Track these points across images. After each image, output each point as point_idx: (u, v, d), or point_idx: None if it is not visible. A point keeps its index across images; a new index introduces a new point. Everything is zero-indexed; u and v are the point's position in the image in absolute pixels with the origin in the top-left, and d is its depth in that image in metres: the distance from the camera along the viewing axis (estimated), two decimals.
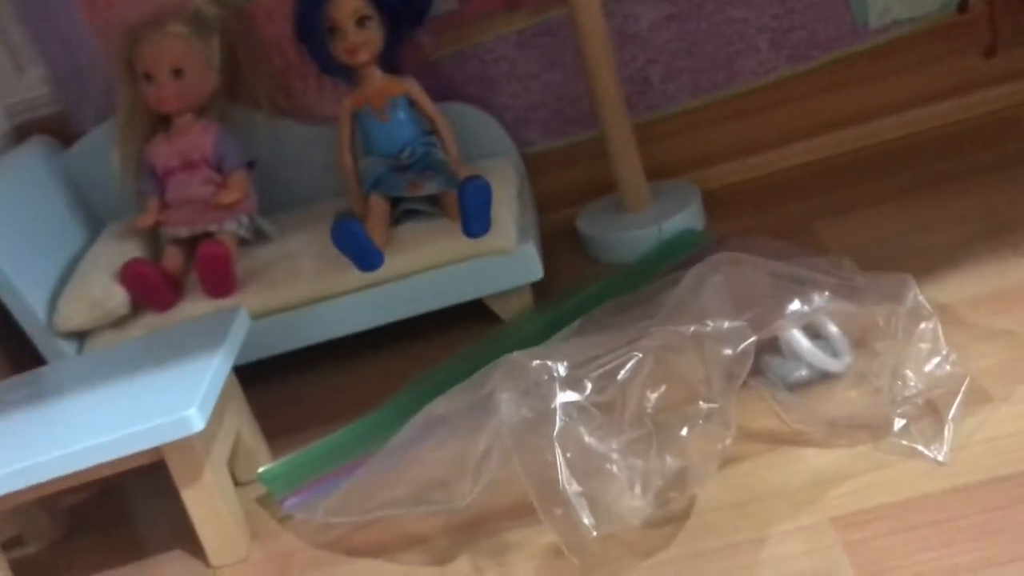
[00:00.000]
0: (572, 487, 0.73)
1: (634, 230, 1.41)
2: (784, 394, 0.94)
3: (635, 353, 0.77)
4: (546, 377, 0.77)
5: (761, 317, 0.81)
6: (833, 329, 0.99)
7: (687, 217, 1.42)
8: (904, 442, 0.87)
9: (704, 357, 0.79)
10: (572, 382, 0.77)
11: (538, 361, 0.79)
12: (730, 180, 1.53)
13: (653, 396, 0.78)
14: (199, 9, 1.41)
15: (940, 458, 0.85)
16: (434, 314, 1.35)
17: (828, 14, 1.49)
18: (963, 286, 1.10)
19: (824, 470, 0.89)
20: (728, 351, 0.78)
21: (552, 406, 0.76)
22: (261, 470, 1.14)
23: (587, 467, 0.75)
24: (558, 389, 0.76)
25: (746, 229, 1.40)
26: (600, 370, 0.77)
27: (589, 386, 0.76)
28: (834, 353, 1.00)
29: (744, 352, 0.79)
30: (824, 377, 0.99)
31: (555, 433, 0.75)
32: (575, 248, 1.49)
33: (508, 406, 0.79)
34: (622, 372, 0.77)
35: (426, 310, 1.32)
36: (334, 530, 1.03)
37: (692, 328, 0.78)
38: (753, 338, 0.79)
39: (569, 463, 0.74)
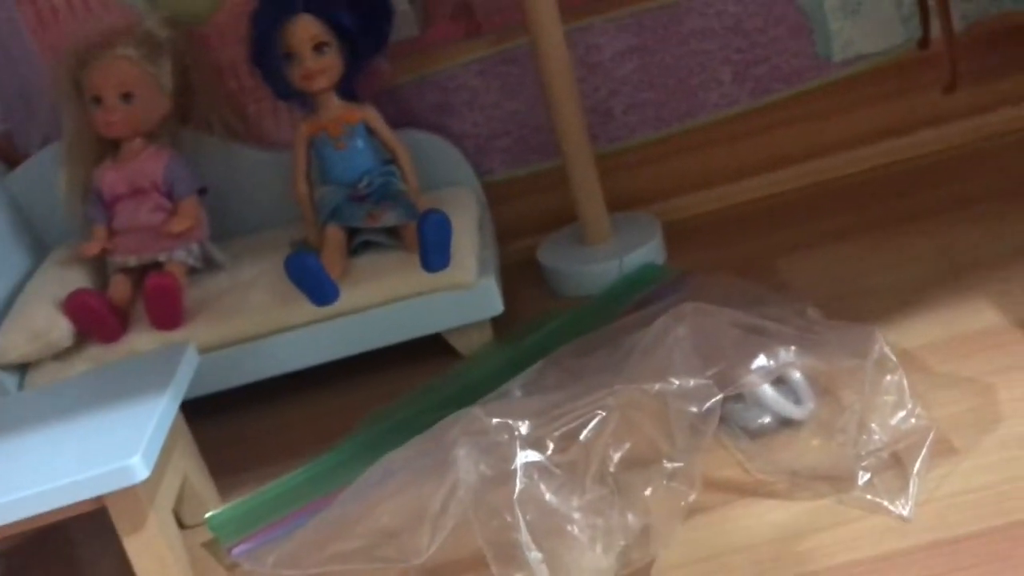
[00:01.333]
0: (532, 553, 0.70)
1: (595, 263, 1.39)
2: (746, 442, 0.93)
3: (599, 412, 0.75)
4: (507, 436, 0.75)
5: (727, 373, 0.79)
6: (796, 375, 0.98)
7: (648, 251, 1.40)
8: (868, 496, 0.86)
9: (668, 415, 0.77)
10: (533, 441, 0.74)
11: (498, 420, 0.77)
12: (691, 212, 1.52)
13: (616, 455, 0.76)
14: (150, 31, 1.36)
15: (905, 513, 0.83)
16: (390, 348, 1.32)
17: (791, 47, 1.49)
18: (924, 330, 1.10)
19: (788, 524, 0.87)
20: (693, 408, 0.76)
21: (512, 467, 0.73)
22: (208, 515, 1.10)
23: (548, 527, 0.73)
24: (519, 448, 0.74)
25: (707, 262, 1.39)
26: (563, 429, 0.75)
27: (551, 445, 0.74)
28: (796, 399, 0.98)
29: (709, 410, 0.77)
30: (786, 424, 0.98)
31: (516, 495, 0.72)
32: (535, 279, 1.47)
33: (466, 463, 0.77)
34: (585, 431, 0.75)
35: (382, 345, 1.29)
36: None
37: (657, 386, 0.76)
38: (719, 396, 0.78)
39: (529, 526, 0.71)
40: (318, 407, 1.30)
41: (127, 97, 1.33)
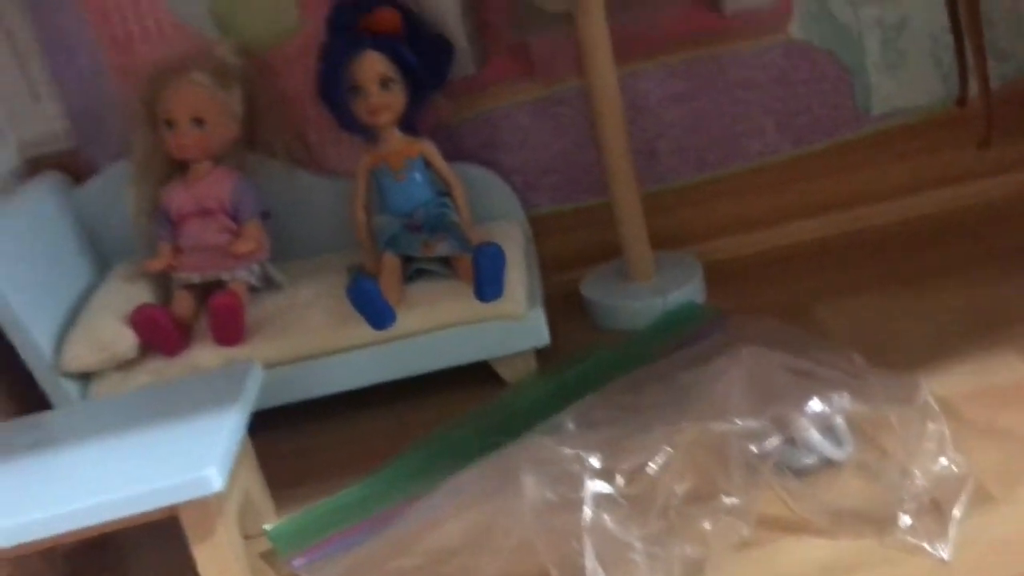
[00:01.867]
0: (599, 575, 0.75)
1: (638, 300, 1.44)
2: (792, 482, 0.97)
3: (665, 448, 0.80)
4: (577, 467, 0.80)
5: (783, 415, 0.84)
6: (838, 420, 1.02)
7: (690, 290, 1.45)
8: (909, 538, 0.90)
9: (728, 452, 0.82)
10: (604, 473, 0.79)
11: (569, 450, 0.82)
12: (731, 255, 1.57)
13: (679, 490, 0.81)
14: (222, 59, 1.43)
15: (945, 556, 0.88)
16: (439, 373, 1.37)
17: (832, 100, 1.54)
18: (958, 380, 1.14)
19: (832, 562, 0.92)
20: (753, 448, 0.81)
21: (581, 495, 0.78)
22: (268, 527, 1.15)
23: (611, 555, 0.78)
24: (588, 479, 0.79)
25: (746, 305, 1.44)
26: (631, 463, 0.80)
27: (620, 478, 0.79)
28: (838, 442, 1.03)
29: (767, 450, 0.82)
30: (828, 465, 1.02)
31: (584, 523, 0.77)
32: (577, 311, 1.52)
33: (533, 489, 0.81)
34: (653, 467, 0.80)
35: (433, 369, 1.34)
36: None
37: (722, 426, 0.81)
38: (776, 437, 0.82)
39: (596, 552, 0.76)
40: (369, 427, 1.35)
41: (199, 122, 1.39)
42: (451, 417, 1.30)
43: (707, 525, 0.81)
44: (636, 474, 0.80)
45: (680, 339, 1.33)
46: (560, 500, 0.80)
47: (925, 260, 1.45)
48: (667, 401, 0.89)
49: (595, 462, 0.80)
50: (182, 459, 0.99)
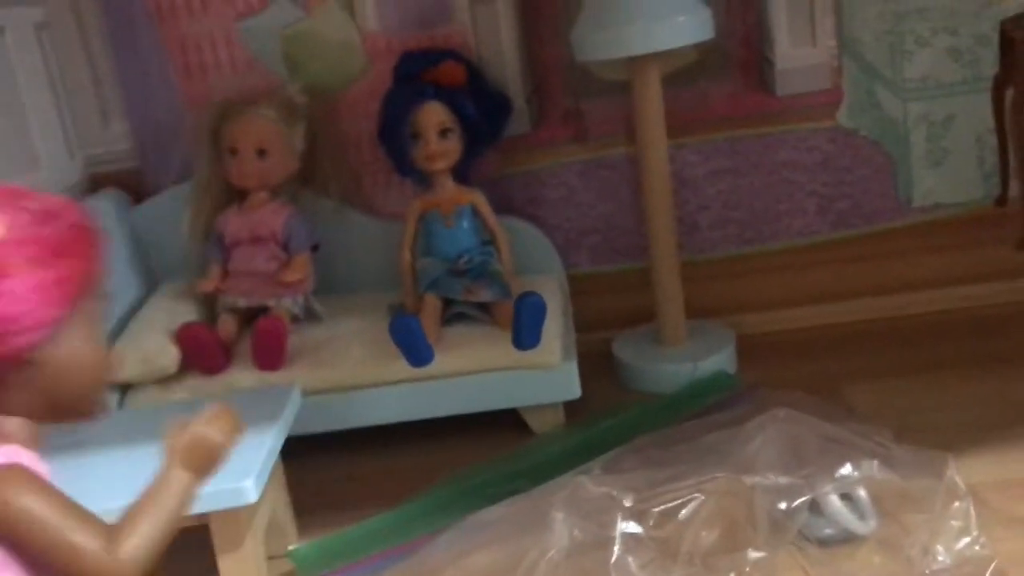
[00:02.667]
0: None
1: (669, 364, 1.47)
2: (813, 549, 0.98)
3: (698, 495, 0.82)
4: (609, 505, 0.82)
5: (814, 476, 0.86)
6: (862, 493, 1.04)
7: (721, 359, 1.47)
8: None
9: (757, 507, 0.83)
10: (635, 514, 0.81)
11: (604, 488, 0.84)
12: (763, 329, 1.60)
13: (708, 538, 0.82)
14: (289, 96, 1.49)
15: None
16: (468, 417, 1.39)
17: (875, 188, 1.58)
18: (987, 469, 1.15)
19: None
20: (782, 505, 0.83)
21: (612, 534, 0.80)
22: (291, 548, 1.17)
23: None
24: (620, 519, 0.81)
25: (776, 379, 1.46)
26: (663, 506, 0.82)
27: (650, 520, 0.81)
28: (861, 516, 1.04)
29: (796, 508, 0.84)
30: (848, 538, 1.03)
31: (612, 561, 0.79)
32: (607, 371, 1.55)
33: (562, 527, 0.83)
34: (684, 511, 0.81)
35: (465, 411, 1.37)
36: None
37: (754, 479, 0.83)
38: (807, 496, 0.84)
39: None
40: (397, 463, 1.37)
41: (262, 152, 1.44)
42: (478, 461, 1.32)
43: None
44: (666, 517, 0.82)
45: (709, 405, 1.35)
46: (588, 539, 0.82)
47: (956, 352, 1.47)
48: (699, 455, 0.91)
49: (627, 502, 0.82)
50: (220, 470, 1.01)
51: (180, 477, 0.70)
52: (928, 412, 1.31)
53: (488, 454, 1.34)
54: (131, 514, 0.67)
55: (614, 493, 0.83)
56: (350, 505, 1.27)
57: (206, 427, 0.70)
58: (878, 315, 1.60)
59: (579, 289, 1.62)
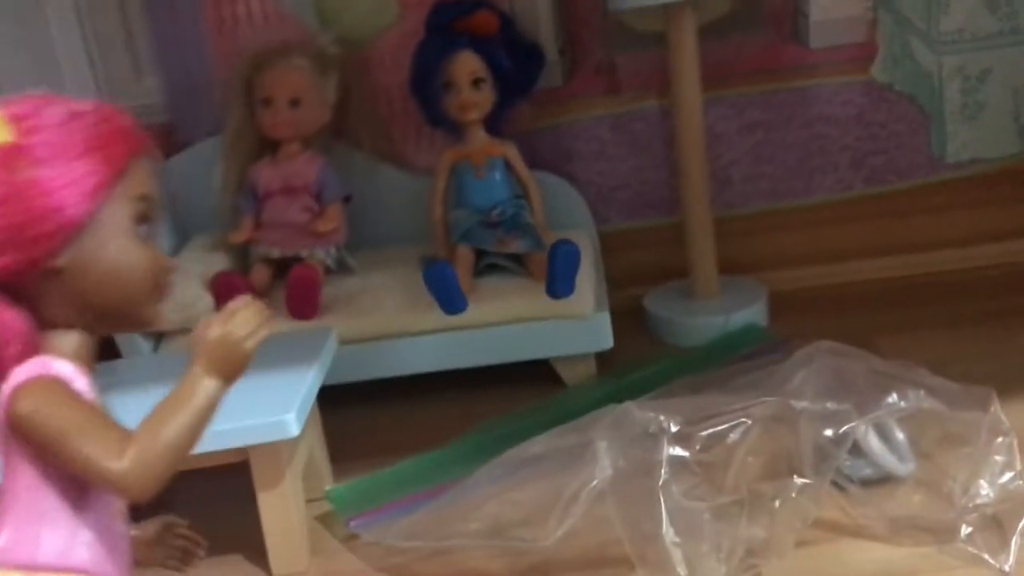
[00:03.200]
0: (671, 536, 0.77)
1: (701, 316, 1.46)
2: (854, 487, 0.98)
3: (745, 420, 0.82)
4: (655, 429, 0.82)
5: (861, 404, 0.85)
6: (900, 435, 1.03)
7: (752, 313, 1.47)
8: (970, 549, 0.91)
9: (805, 434, 0.83)
10: (681, 438, 0.81)
11: (651, 413, 0.84)
12: (795, 286, 1.59)
13: (754, 464, 0.82)
14: (322, 47, 1.48)
15: (1006, 568, 0.88)
16: (500, 368, 1.39)
17: (909, 143, 1.57)
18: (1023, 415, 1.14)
19: (890, 565, 0.92)
20: (829, 432, 0.83)
21: (659, 458, 0.80)
22: (328, 488, 1.17)
23: (681, 524, 0.79)
24: (667, 443, 0.81)
25: (808, 333, 1.44)
26: (710, 430, 0.82)
27: (697, 444, 0.81)
28: (900, 458, 1.04)
29: (844, 434, 0.84)
30: (887, 479, 1.03)
31: (660, 483, 0.79)
32: (638, 326, 1.54)
33: (605, 456, 0.83)
34: (731, 436, 0.81)
35: (499, 361, 1.37)
36: (396, 556, 1.06)
37: (802, 403, 0.83)
38: (855, 422, 0.84)
39: (669, 513, 0.78)
40: (430, 412, 1.38)
41: (295, 103, 1.44)
42: (511, 410, 1.32)
43: (776, 503, 0.82)
44: (712, 441, 0.82)
45: (741, 356, 1.35)
46: (633, 466, 0.82)
47: (991, 307, 1.46)
48: (743, 388, 0.90)
49: (673, 426, 0.82)
50: (261, 405, 1.02)
51: (202, 381, 0.64)
52: (963, 362, 1.29)
53: (520, 405, 1.34)
54: (149, 422, 0.63)
55: (660, 418, 0.83)
56: (384, 452, 1.27)
57: (226, 323, 0.64)
58: (912, 271, 1.59)
59: (610, 245, 1.61)
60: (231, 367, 0.66)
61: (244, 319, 0.66)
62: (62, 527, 0.64)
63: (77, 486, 0.65)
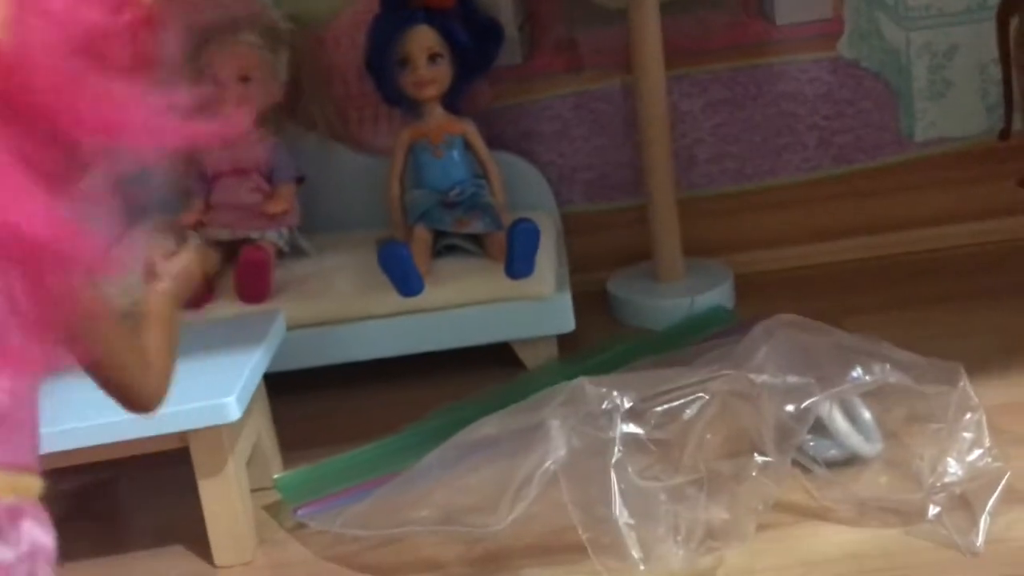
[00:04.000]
0: (624, 518, 0.73)
1: (666, 299, 1.43)
2: (819, 469, 0.95)
3: (702, 395, 0.78)
4: (608, 406, 0.78)
5: (825, 379, 0.82)
6: (866, 415, 1.00)
7: (718, 295, 1.44)
8: (939, 529, 0.88)
9: (766, 410, 0.80)
10: (635, 415, 0.77)
11: (604, 389, 0.80)
12: (761, 267, 1.55)
13: (712, 442, 0.79)
14: (273, 22, 1.43)
15: (975, 548, 0.85)
16: (458, 352, 1.35)
17: (876, 121, 1.54)
18: (994, 392, 1.11)
19: (856, 546, 0.89)
20: (791, 407, 0.79)
21: (611, 435, 0.76)
22: (276, 476, 1.13)
23: (635, 505, 0.75)
24: (620, 420, 0.77)
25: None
26: (666, 406, 0.78)
27: (652, 420, 0.77)
28: (866, 438, 1.00)
29: (806, 410, 0.80)
30: (853, 460, 1.00)
31: (612, 462, 0.75)
32: (601, 310, 1.51)
33: (559, 434, 0.79)
34: (688, 411, 0.78)
35: (456, 345, 1.33)
36: (346, 545, 1.02)
37: (762, 377, 0.80)
38: (816, 397, 0.80)
39: (622, 494, 0.74)
40: (385, 398, 1.33)
41: (244, 80, 1.39)
42: (469, 396, 1.28)
43: (736, 484, 0.78)
44: (668, 418, 0.78)
45: (706, 337, 1.31)
46: (586, 445, 0.78)
47: (959, 287, 1.44)
48: (703, 364, 0.87)
49: (627, 402, 0.78)
50: (201, 388, 0.98)
51: (170, 299, 0.72)
52: (933, 340, 1.25)
53: (480, 389, 1.30)
54: (156, 345, 0.68)
55: (614, 393, 0.79)
56: (338, 441, 1.22)
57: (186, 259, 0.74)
58: (880, 252, 1.56)
59: (572, 227, 1.57)
60: (184, 293, 0.74)
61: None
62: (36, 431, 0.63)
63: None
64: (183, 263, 0.74)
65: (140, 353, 0.66)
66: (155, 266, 0.74)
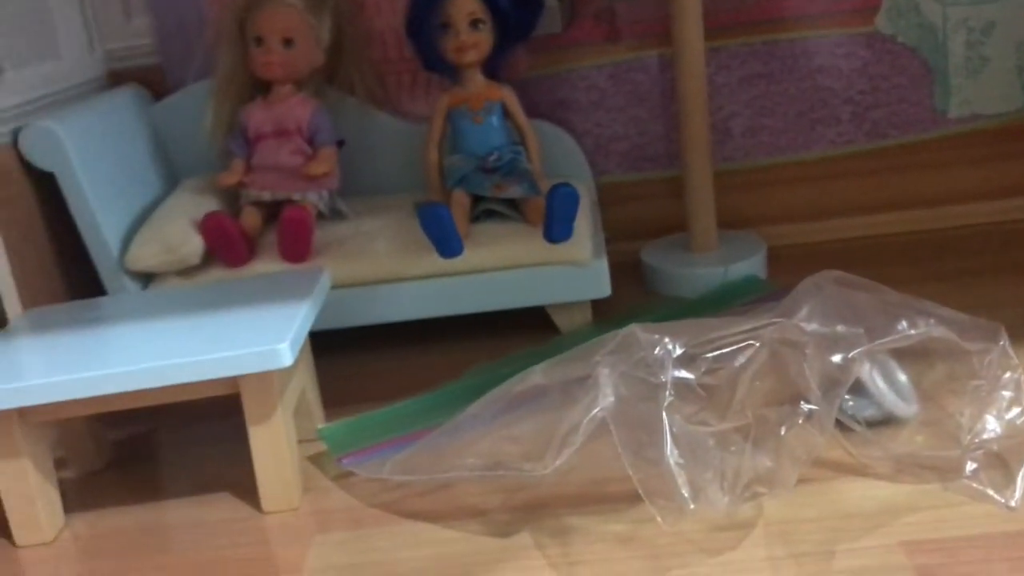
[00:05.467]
0: (675, 458, 0.75)
1: (700, 268, 1.44)
2: (858, 427, 0.96)
3: (753, 342, 0.80)
4: (660, 352, 0.80)
5: (872, 331, 0.83)
6: (902, 378, 1.02)
7: (751, 266, 1.45)
8: (975, 485, 0.89)
9: (813, 359, 0.81)
10: (686, 360, 0.79)
11: (656, 336, 0.81)
12: (795, 240, 1.57)
13: (760, 388, 0.80)
14: None
15: (1012, 504, 0.87)
16: (494, 316, 1.37)
17: (911, 97, 1.55)
18: None
19: (893, 500, 0.91)
20: (837, 357, 0.81)
21: (663, 379, 0.78)
22: (320, 427, 1.15)
23: (685, 448, 0.77)
24: (671, 366, 0.79)
25: None
26: (717, 352, 0.80)
27: (703, 367, 0.79)
28: (903, 399, 1.02)
29: (853, 359, 0.82)
30: (890, 420, 1.01)
31: (665, 406, 0.77)
32: (635, 279, 1.53)
33: (607, 381, 0.81)
34: (739, 358, 0.79)
35: (494, 308, 1.35)
36: (389, 493, 1.04)
37: (812, 326, 0.81)
38: (864, 346, 0.82)
39: (673, 437, 0.76)
40: (423, 359, 1.35)
41: (288, 42, 1.41)
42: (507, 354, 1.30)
43: (782, 430, 0.80)
44: (719, 364, 0.80)
45: (740, 304, 1.33)
46: (636, 392, 0.79)
47: (993, 261, 1.45)
48: (750, 319, 0.88)
49: (678, 348, 0.80)
50: (254, 335, 1.00)
51: None
52: (967, 311, 1.28)
53: (514, 351, 1.32)
54: None
55: (666, 339, 0.81)
56: (376, 399, 1.24)
57: None
58: (913, 227, 1.57)
59: (608, 197, 1.59)
60: None
61: None
62: None
63: None
64: None
65: None
66: None
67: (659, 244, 1.55)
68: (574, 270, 1.34)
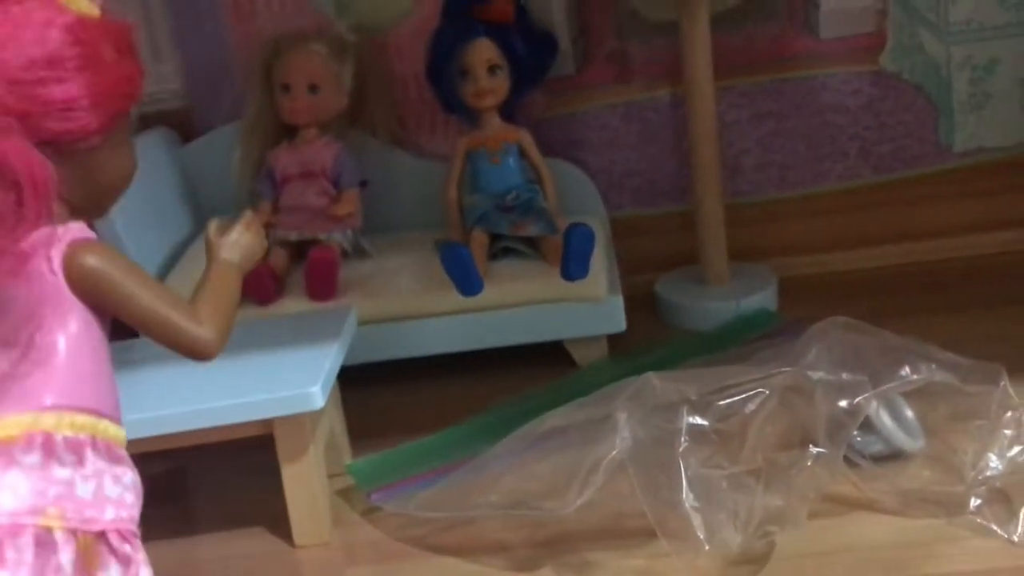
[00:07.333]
0: (691, 502, 0.79)
1: (713, 301, 1.49)
2: (865, 463, 1.00)
3: (763, 390, 0.84)
4: (675, 399, 0.84)
5: (875, 377, 0.88)
6: (909, 413, 1.06)
7: (763, 298, 1.49)
8: (979, 520, 0.93)
9: (821, 405, 0.86)
10: (700, 407, 0.83)
11: (670, 383, 0.86)
12: (804, 272, 1.61)
13: (771, 434, 0.85)
14: (340, 34, 1.51)
15: (1015, 538, 0.91)
16: (513, 350, 1.42)
17: (916, 132, 1.59)
18: None
19: (901, 535, 0.95)
20: (844, 402, 0.85)
21: (679, 426, 0.82)
22: (349, 463, 1.20)
23: (699, 491, 0.81)
24: (686, 412, 0.83)
25: (817, 319, 1.46)
26: (729, 400, 0.84)
27: (716, 413, 0.83)
28: (909, 434, 1.06)
29: (858, 405, 0.86)
30: (897, 455, 1.05)
31: (680, 451, 0.81)
32: (649, 311, 1.57)
33: (626, 426, 0.86)
34: (749, 405, 0.84)
35: (513, 343, 1.39)
36: (416, 528, 1.08)
37: (818, 374, 0.86)
38: (868, 392, 0.86)
39: (688, 480, 0.80)
40: (445, 393, 1.40)
41: (313, 88, 1.46)
42: (526, 390, 1.35)
43: (793, 471, 0.84)
44: (731, 411, 0.84)
45: (754, 338, 1.37)
46: (652, 436, 0.84)
47: (999, 292, 1.49)
48: (758, 363, 0.93)
49: (693, 395, 0.84)
50: (287, 378, 1.05)
51: (233, 268, 0.77)
52: (973, 344, 1.31)
53: (534, 385, 1.37)
54: (203, 297, 0.73)
55: (682, 386, 0.85)
56: (401, 432, 1.29)
57: (245, 230, 0.81)
58: (919, 259, 1.61)
59: (621, 232, 1.63)
60: (247, 263, 0.80)
61: (257, 229, 0.82)
62: (99, 383, 0.69)
63: (103, 345, 0.70)
64: (237, 235, 0.80)
65: (182, 309, 0.70)
66: (212, 240, 0.80)
67: (673, 277, 1.59)
68: (590, 306, 1.38)
